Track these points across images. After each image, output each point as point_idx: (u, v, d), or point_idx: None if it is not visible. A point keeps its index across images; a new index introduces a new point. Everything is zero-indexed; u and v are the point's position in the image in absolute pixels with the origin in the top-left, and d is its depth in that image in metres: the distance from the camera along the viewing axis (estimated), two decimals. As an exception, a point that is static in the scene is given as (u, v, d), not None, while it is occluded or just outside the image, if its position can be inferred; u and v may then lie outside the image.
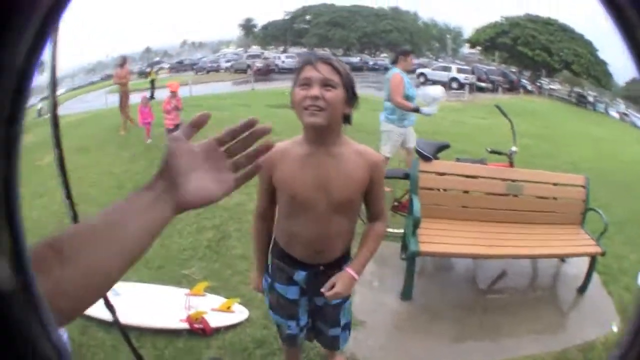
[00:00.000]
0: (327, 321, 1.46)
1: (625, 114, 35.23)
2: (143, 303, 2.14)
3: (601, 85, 36.41)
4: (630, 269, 3.69)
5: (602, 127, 18.71)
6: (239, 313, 2.18)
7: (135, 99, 15.97)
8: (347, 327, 1.52)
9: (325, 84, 1.13)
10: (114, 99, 15.44)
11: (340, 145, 1.23)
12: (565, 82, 48.77)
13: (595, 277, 3.36)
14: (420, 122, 9.71)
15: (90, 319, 2.02)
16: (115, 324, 1.47)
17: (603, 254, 3.08)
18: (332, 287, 1.22)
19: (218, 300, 2.26)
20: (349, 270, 1.26)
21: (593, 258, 3.10)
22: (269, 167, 1.23)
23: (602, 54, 37.84)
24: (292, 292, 1.38)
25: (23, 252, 0.31)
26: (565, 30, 36.24)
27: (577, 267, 3.53)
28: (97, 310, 2.13)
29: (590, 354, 2.49)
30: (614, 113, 34.42)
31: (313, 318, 1.48)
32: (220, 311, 2.15)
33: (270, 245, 1.42)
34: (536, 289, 3.31)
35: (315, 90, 1.11)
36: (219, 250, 3.09)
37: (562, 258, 3.54)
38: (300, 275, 1.34)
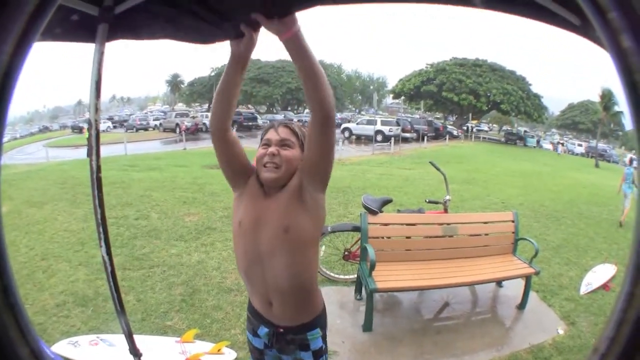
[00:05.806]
0: None
1: (561, 143, 37.93)
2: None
3: (533, 120, 38.71)
4: (570, 283, 4.39)
5: (533, 162, 20.45)
6: (228, 354, 2.39)
7: (72, 154, 15.31)
8: None
9: (283, 144, 1.25)
10: (54, 153, 16.14)
11: None
12: (494, 122, 52.58)
13: (534, 295, 3.95)
14: (350, 178, 10.05)
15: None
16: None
17: (537, 273, 3.64)
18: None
19: (207, 345, 2.44)
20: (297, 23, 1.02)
21: (528, 278, 3.68)
22: (247, 172, 1.29)
23: (537, 88, 39.24)
24: (257, 342, 1.39)
25: (3, 257, 0.32)
26: (494, 70, 38.12)
27: (514, 290, 4.07)
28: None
29: (540, 354, 2.95)
30: (547, 145, 36.68)
31: None
32: (212, 354, 2.34)
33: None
34: (480, 312, 3.78)
35: (272, 149, 1.23)
36: (194, 303, 3.29)
37: (499, 283, 4.09)
38: (262, 331, 1.34)
